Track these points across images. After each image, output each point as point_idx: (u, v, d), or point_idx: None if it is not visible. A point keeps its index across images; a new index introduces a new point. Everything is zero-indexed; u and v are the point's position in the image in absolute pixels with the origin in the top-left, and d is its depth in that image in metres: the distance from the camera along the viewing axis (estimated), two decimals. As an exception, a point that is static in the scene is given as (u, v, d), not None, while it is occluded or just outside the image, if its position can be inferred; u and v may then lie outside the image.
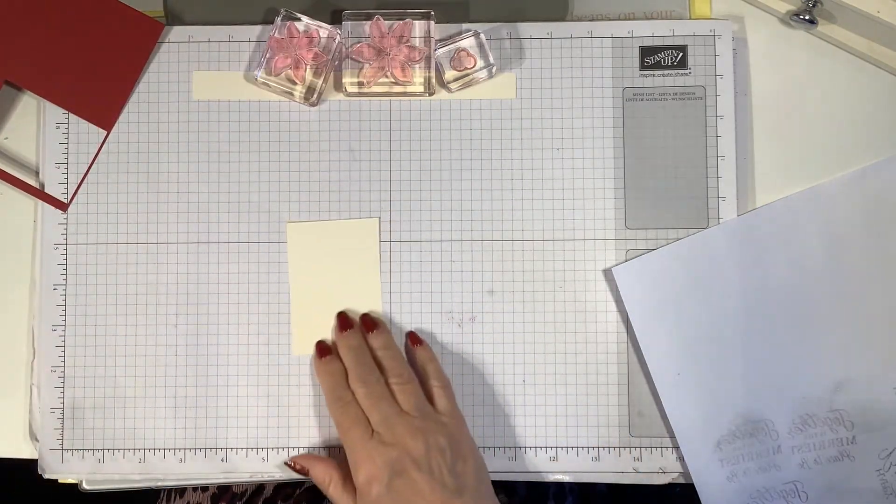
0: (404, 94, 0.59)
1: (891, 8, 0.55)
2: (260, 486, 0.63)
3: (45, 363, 0.58)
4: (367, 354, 0.56)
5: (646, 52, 0.59)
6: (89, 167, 0.59)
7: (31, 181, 0.60)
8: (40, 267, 0.59)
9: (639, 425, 0.58)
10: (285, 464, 0.57)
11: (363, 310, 0.58)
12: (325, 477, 0.55)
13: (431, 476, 0.51)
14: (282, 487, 0.63)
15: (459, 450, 0.53)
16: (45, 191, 0.59)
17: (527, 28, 0.59)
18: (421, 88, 0.58)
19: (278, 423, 0.58)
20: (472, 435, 0.58)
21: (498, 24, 0.59)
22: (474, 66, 0.58)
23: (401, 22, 0.58)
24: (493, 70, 0.58)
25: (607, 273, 0.58)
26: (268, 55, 0.58)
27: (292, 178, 0.59)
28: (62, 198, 0.59)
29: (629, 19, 0.60)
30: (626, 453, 0.58)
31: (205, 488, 0.65)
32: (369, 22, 0.58)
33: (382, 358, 0.55)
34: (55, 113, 0.59)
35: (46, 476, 0.58)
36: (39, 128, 0.60)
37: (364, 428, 0.53)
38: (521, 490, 0.63)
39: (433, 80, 0.58)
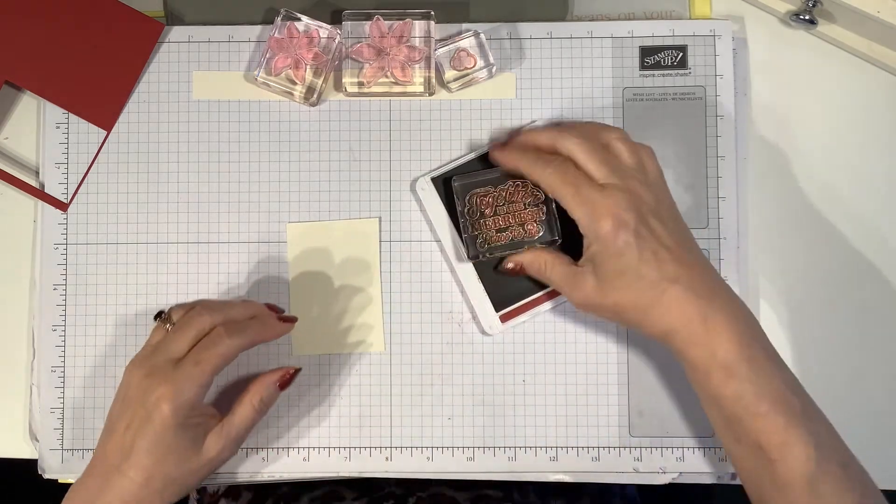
0: (404, 94, 0.59)
1: (891, 8, 0.55)
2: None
3: (45, 363, 0.58)
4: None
5: (646, 52, 0.59)
6: (89, 167, 0.59)
7: (31, 181, 0.60)
8: (40, 267, 0.59)
9: (639, 425, 0.58)
10: (496, 270, 0.57)
11: (363, 309, 0.58)
12: (541, 262, 0.54)
13: (665, 226, 0.50)
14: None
15: (675, 210, 0.52)
16: (45, 191, 0.59)
17: (527, 28, 0.59)
18: (421, 88, 0.58)
19: (278, 424, 0.58)
20: (473, 435, 0.58)
21: (498, 24, 0.59)
22: (474, 66, 0.58)
23: (401, 22, 0.58)
24: (493, 70, 0.58)
25: None
26: (268, 55, 0.58)
27: (292, 178, 0.59)
28: (62, 198, 0.59)
29: (629, 19, 0.60)
30: (626, 453, 0.58)
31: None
32: (369, 22, 0.58)
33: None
34: (55, 113, 0.59)
35: (46, 476, 0.58)
36: (39, 128, 0.60)
37: (592, 181, 0.50)
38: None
39: (433, 80, 0.58)
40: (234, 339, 0.52)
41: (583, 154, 0.51)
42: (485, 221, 0.56)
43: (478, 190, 0.56)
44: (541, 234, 0.56)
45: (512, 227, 0.56)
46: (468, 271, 0.57)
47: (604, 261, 0.50)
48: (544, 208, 0.56)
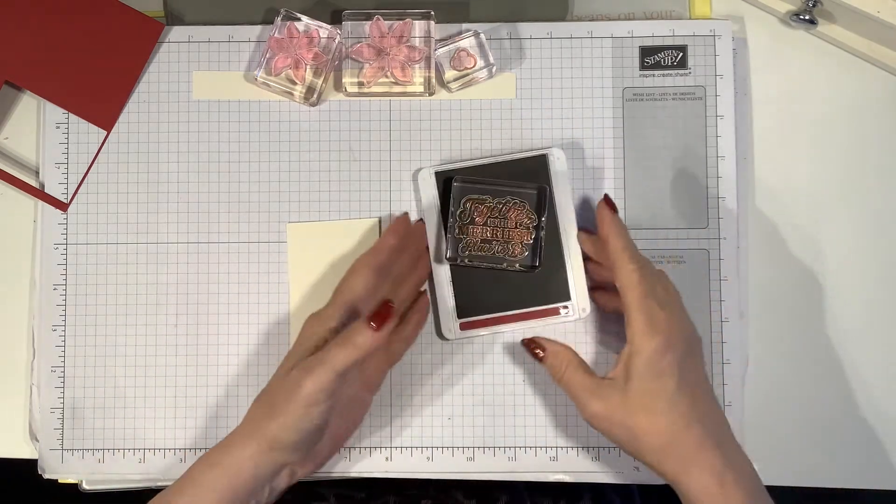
0: (404, 94, 0.59)
1: (891, 8, 0.55)
2: None
3: (45, 363, 0.58)
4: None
5: (646, 52, 0.59)
6: (89, 167, 0.59)
7: (31, 181, 0.59)
8: (40, 267, 0.59)
9: (639, 425, 0.58)
10: (522, 342, 0.56)
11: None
12: (563, 360, 0.53)
13: (701, 366, 0.51)
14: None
15: (702, 353, 0.53)
16: (45, 191, 0.59)
17: (527, 28, 0.59)
18: (421, 88, 0.58)
19: (278, 423, 0.58)
20: (473, 435, 0.58)
21: (498, 24, 0.59)
22: (474, 66, 0.58)
23: (401, 22, 0.58)
24: (493, 70, 0.58)
25: None
26: (268, 55, 0.58)
27: (292, 178, 0.59)
28: (62, 198, 0.59)
29: (629, 19, 0.60)
30: (626, 453, 0.57)
31: None
32: (369, 22, 0.58)
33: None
34: (55, 113, 0.59)
35: (46, 476, 0.58)
36: (39, 128, 0.60)
37: (659, 300, 0.50)
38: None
39: (433, 80, 0.58)
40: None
41: (645, 275, 0.51)
42: (473, 228, 0.56)
43: (474, 196, 0.56)
44: (523, 257, 0.56)
45: (497, 241, 0.56)
46: (443, 271, 0.57)
47: (642, 377, 0.49)
48: (534, 234, 0.56)
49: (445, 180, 0.57)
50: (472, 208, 0.56)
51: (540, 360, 0.55)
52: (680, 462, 0.49)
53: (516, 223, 0.56)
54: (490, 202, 0.56)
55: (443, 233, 0.57)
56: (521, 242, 0.56)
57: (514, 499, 0.61)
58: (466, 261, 0.56)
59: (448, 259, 0.56)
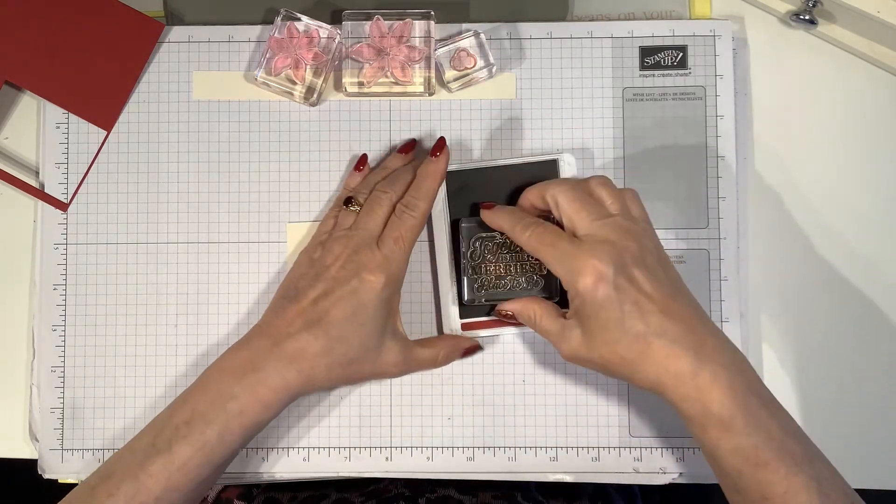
0: (404, 94, 0.59)
1: (891, 8, 0.55)
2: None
3: (45, 363, 0.58)
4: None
5: (646, 52, 0.59)
6: (89, 167, 0.59)
7: (31, 181, 0.60)
8: (40, 267, 0.59)
9: (639, 425, 0.58)
10: (494, 313, 0.56)
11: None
12: (532, 313, 0.53)
13: (648, 274, 0.49)
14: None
15: (662, 255, 0.51)
16: (45, 191, 0.59)
17: (527, 28, 0.59)
18: (421, 88, 0.58)
19: (277, 423, 0.58)
20: (473, 435, 0.58)
21: (498, 24, 0.59)
22: (474, 66, 0.58)
23: (401, 22, 0.58)
24: (493, 70, 0.58)
25: None
26: (268, 55, 0.58)
27: (292, 178, 0.59)
28: (62, 198, 0.59)
29: (629, 19, 0.60)
30: (626, 453, 0.58)
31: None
32: (369, 22, 0.58)
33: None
34: (55, 113, 0.59)
35: (46, 476, 0.58)
36: (39, 128, 0.60)
37: (570, 237, 0.50)
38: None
39: (433, 80, 0.58)
40: (419, 209, 0.54)
41: (566, 201, 0.50)
42: (486, 266, 0.55)
43: (483, 234, 0.55)
44: (538, 289, 0.55)
45: (512, 276, 0.55)
46: (445, 271, 0.57)
47: (587, 315, 0.49)
48: None
49: (453, 223, 0.57)
50: (483, 247, 0.55)
51: (514, 320, 0.55)
52: (654, 378, 0.48)
53: (528, 255, 0.55)
54: (500, 239, 0.55)
55: (453, 270, 0.57)
56: (536, 273, 0.55)
57: (513, 488, 0.61)
58: (483, 300, 0.55)
59: (465, 302, 0.56)
